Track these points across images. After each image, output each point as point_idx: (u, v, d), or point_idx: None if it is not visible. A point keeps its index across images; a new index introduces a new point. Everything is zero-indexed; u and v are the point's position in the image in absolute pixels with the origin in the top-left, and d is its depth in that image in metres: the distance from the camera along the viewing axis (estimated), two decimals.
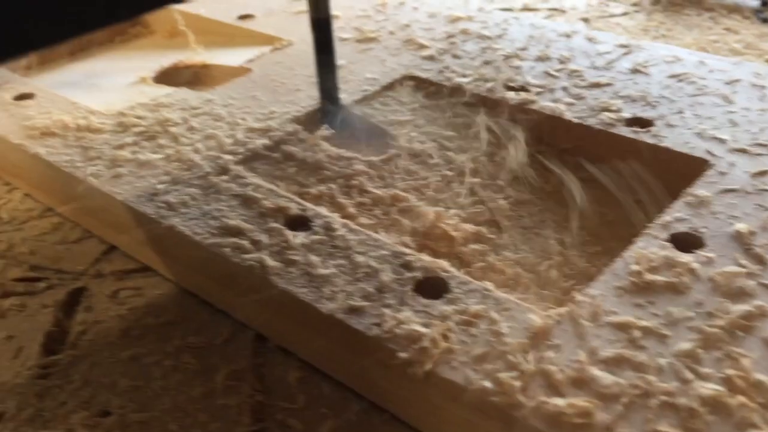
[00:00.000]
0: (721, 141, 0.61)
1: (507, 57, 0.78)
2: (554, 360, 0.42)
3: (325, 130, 0.67)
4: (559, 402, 0.39)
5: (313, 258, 0.51)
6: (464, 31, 0.85)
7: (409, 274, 0.49)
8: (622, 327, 0.44)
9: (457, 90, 0.73)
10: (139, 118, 0.69)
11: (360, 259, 0.51)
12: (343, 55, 0.80)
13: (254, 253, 0.52)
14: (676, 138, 0.63)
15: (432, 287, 0.48)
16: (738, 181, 0.56)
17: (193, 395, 0.49)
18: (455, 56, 0.79)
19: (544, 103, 0.69)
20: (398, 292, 0.48)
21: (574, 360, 0.42)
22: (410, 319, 0.45)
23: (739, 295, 0.46)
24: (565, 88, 0.71)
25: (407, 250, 0.52)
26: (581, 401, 0.39)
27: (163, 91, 0.76)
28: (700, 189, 0.56)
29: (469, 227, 0.59)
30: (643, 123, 0.65)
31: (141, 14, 0.50)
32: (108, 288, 0.59)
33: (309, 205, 0.57)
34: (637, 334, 0.43)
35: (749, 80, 0.71)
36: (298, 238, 0.53)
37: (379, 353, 0.44)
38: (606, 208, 0.61)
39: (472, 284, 0.48)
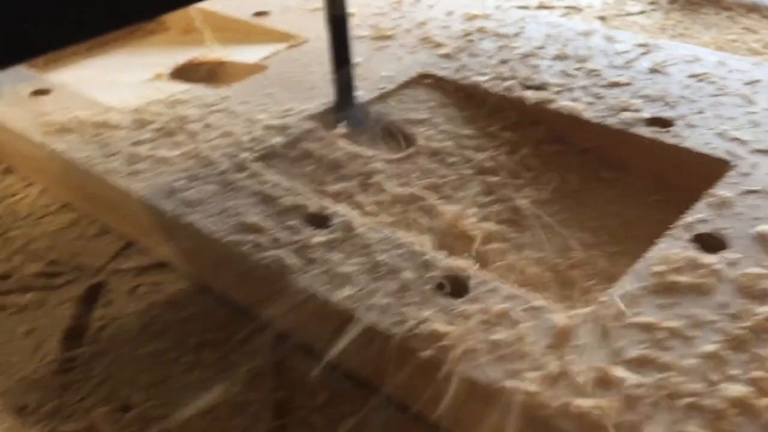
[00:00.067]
0: (743, 142, 0.61)
1: (524, 56, 0.78)
2: (578, 360, 0.42)
3: (342, 128, 0.67)
4: (584, 402, 0.39)
5: (333, 256, 0.51)
6: (481, 29, 0.85)
7: (430, 273, 0.49)
8: (647, 328, 0.43)
9: (474, 88, 0.72)
10: (156, 114, 0.69)
11: (381, 257, 0.50)
12: (359, 52, 0.80)
13: (273, 250, 0.52)
14: (696, 138, 0.62)
15: (453, 286, 0.48)
16: (761, 182, 0.56)
17: (214, 391, 0.49)
18: (472, 54, 0.79)
19: (563, 103, 0.68)
20: (420, 291, 0.47)
21: (598, 360, 0.42)
22: (432, 318, 0.45)
23: (764, 297, 0.45)
24: (583, 88, 0.71)
25: (427, 249, 0.51)
26: (607, 402, 0.39)
27: (180, 88, 0.76)
28: (722, 190, 0.56)
29: (489, 226, 0.58)
30: (663, 123, 0.64)
31: (166, 13, 0.50)
32: (126, 284, 0.59)
33: (328, 203, 0.57)
34: (661, 334, 0.43)
35: None
36: (318, 236, 0.53)
37: (402, 352, 0.44)
38: (625, 208, 0.61)
39: (494, 284, 0.48)
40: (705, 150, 0.61)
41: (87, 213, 0.67)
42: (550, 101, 0.69)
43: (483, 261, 0.55)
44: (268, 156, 0.63)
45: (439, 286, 0.48)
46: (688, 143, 0.62)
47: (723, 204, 0.54)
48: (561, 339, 0.43)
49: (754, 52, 0.90)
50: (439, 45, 0.81)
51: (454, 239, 0.57)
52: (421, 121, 0.70)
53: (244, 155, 0.62)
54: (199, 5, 0.92)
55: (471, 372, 0.42)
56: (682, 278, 0.47)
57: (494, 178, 0.64)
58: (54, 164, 0.66)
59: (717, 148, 0.61)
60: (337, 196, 0.60)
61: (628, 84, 0.71)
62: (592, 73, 0.74)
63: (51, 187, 0.70)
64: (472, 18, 0.88)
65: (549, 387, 0.40)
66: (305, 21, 0.90)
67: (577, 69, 0.74)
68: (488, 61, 0.77)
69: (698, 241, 0.51)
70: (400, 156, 0.65)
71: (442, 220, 0.58)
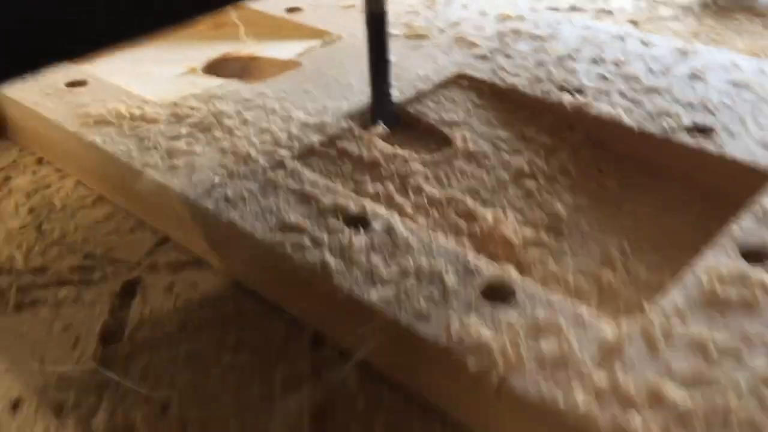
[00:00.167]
0: None
1: (560, 58, 0.77)
2: (627, 375, 0.41)
3: (379, 128, 0.66)
4: (634, 419, 0.39)
5: (376, 258, 0.50)
6: (515, 31, 0.84)
7: (474, 279, 0.49)
8: (696, 343, 0.43)
9: (511, 90, 0.72)
10: (192, 109, 0.69)
11: (422, 261, 0.50)
12: (393, 51, 0.79)
13: (315, 251, 0.51)
14: (738, 147, 0.61)
15: (498, 293, 0.47)
16: None
17: (252, 394, 0.48)
18: (507, 56, 0.78)
19: (601, 107, 0.68)
20: (463, 297, 0.47)
21: (648, 375, 0.41)
22: (478, 325, 0.45)
23: None
24: (621, 92, 0.70)
25: (470, 254, 0.51)
26: (658, 419, 0.39)
27: (214, 83, 0.76)
28: None
29: (528, 232, 0.58)
30: (703, 130, 0.64)
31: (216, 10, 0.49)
32: (163, 280, 0.59)
33: (367, 203, 0.56)
34: (712, 351, 0.42)
35: None
36: (359, 237, 0.52)
37: (447, 362, 0.44)
38: (665, 216, 0.60)
39: (540, 292, 0.47)
40: (747, 158, 0.60)
41: (122, 206, 0.66)
42: (588, 105, 0.68)
43: (524, 268, 0.55)
44: (306, 154, 0.63)
45: (484, 293, 0.47)
46: (729, 151, 0.61)
47: None
48: (609, 352, 0.43)
49: None
50: (473, 45, 0.81)
51: (494, 244, 0.57)
52: (457, 123, 0.69)
53: (282, 153, 0.62)
54: None
55: (518, 383, 0.41)
56: (731, 292, 0.46)
57: (532, 183, 0.63)
58: (90, 156, 0.66)
59: (759, 156, 0.60)
60: (375, 197, 0.60)
61: (666, 90, 0.70)
62: (630, 77, 0.73)
63: (86, 179, 0.70)
64: (505, 18, 0.88)
65: (598, 402, 0.40)
66: (338, 18, 0.90)
67: (615, 73, 0.74)
68: (524, 62, 0.77)
69: (745, 253, 0.50)
70: (438, 158, 0.65)
71: (481, 224, 0.58)
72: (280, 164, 0.61)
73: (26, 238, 0.63)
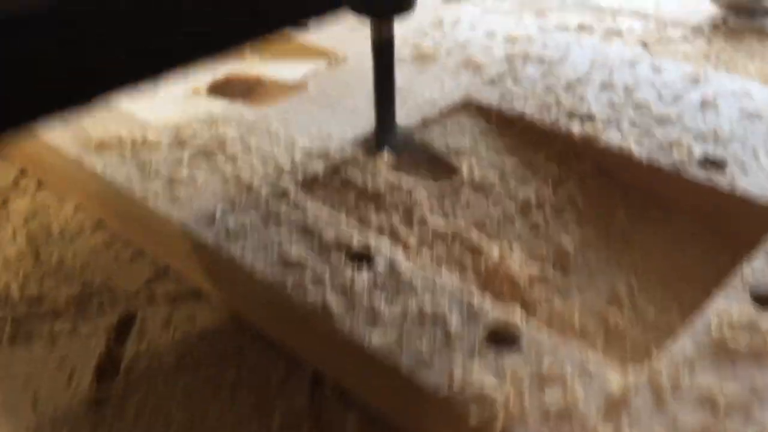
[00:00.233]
0: None
1: (569, 83, 0.76)
2: (633, 430, 0.40)
3: (384, 156, 0.65)
4: None
5: (378, 298, 0.49)
6: (524, 53, 0.83)
7: (478, 322, 0.48)
8: (705, 396, 0.42)
9: (519, 117, 0.71)
10: (195, 133, 0.68)
11: (426, 301, 0.49)
12: (400, 74, 0.78)
13: (317, 290, 0.50)
14: (752, 181, 0.60)
15: (503, 337, 0.46)
16: None
17: None
18: (515, 80, 0.77)
19: (611, 136, 0.66)
20: (466, 342, 0.46)
21: (655, 430, 0.40)
22: (481, 373, 0.43)
23: None
24: (631, 121, 0.69)
25: (475, 294, 0.50)
26: None
27: (219, 105, 0.75)
28: None
29: (534, 268, 0.57)
30: (715, 163, 0.63)
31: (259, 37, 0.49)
32: (161, 313, 0.58)
33: (371, 237, 0.55)
34: (720, 404, 0.41)
35: None
36: (362, 275, 0.51)
37: (448, 411, 0.43)
38: (675, 252, 0.59)
39: (545, 337, 0.46)
40: (759, 194, 0.59)
41: (122, 233, 0.66)
42: (597, 134, 0.67)
43: (529, 308, 0.54)
44: (309, 183, 0.62)
45: (488, 337, 0.46)
46: (740, 186, 0.60)
47: None
48: (616, 404, 0.41)
49: None
50: (481, 69, 0.80)
51: (499, 281, 0.56)
52: (463, 150, 0.68)
53: (285, 182, 0.61)
54: None
55: None
56: (741, 340, 0.45)
57: (539, 215, 0.62)
58: (89, 183, 0.65)
59: None
60: (379, 229, 0.59)
61: (677, 118, 0.69)
62: (640, 105, 0.72)
63: (86, 204, 0.69)
64: (513, 40, 0.86)
65: None
66: (345, 38, 0.88)
67: (624, 101, 0.73)
68: (532, 88, 0.75)
69: (757, 297, 0.49)
70: (443, 187, 0.64)
71: (487, 259, 0.57)
72: (283, 194, 0.60)
73: (23, 266, 0.62)
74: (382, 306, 0.49)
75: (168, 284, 0.60)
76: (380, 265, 0.52)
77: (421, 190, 0.63)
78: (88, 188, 0.67)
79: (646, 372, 0.43)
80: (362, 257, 0.53)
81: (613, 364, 0.45)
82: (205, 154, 0.65)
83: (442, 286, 0.50)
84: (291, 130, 0.69)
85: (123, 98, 0.55)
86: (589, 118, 0.69)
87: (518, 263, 0.57)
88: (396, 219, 0.60)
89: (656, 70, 0.79)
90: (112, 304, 0.58)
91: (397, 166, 0.65)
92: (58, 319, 0.57)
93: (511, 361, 0.44)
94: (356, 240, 0.55)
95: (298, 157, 0.65)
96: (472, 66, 0.80)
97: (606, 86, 0.75)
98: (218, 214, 0.57)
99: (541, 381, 0.43)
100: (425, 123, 0.71)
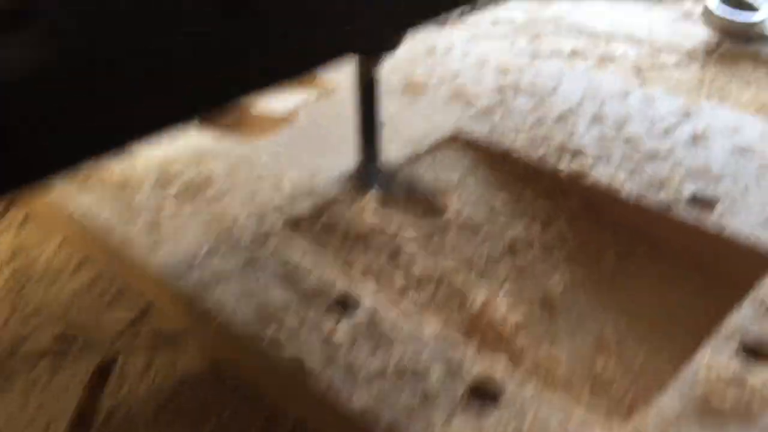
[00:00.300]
0: None
1: (560, 116, 0.75)
2: None
3: (371, 194, 0.64)
4: None
5: (357, 351, 0.48)
6: (515, 84, 0.82)
7: (459, 377, 0.47)
8: None
9: (508, 153, 0.70)
10: (180, 170, 0.67)
11: (407, 354, 0.48)
12: (390, 107, 0.78)
13: (294, 344, 0.49)
14: (740, 224, 0.59)
15: (485, 393, 0.45)
16: None
17: None
18: (506, 113, 0.76)
19: (600, 173, 0.66)
20: (448, 397, 0.45)
21: None
22: (460, 429, 0.43)
23: None
24: (621, 157, 0.68)
25: (458, 346, 0.49)
26: None
27: (206, 138, 0.74)
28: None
29: (520, 312, 0.56)
30: (705, 203, 0.62)
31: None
32: (141, 358, 0.57)
33: (354, 282, 0.55)
34: None
35: None
36: (342, 326, 0.50)
37: None
38: (663, 294, 0.59)
39: (529, 391, 0.45)
40: (747, 237, 0.58)
41: (105, 270, 0.65)
42: (587, 171, 0.66)
43: (514, 354, 0.53)
44: (294, 224, 0.61)
45: (471, 391, 0.45)
46: (729, 228, 0.59)
47: None
48: None
49: None
50: (471, 101, 0.79)
51: (484, 327, 0.55)
52: (451, 187, 0.67)
53: (270, 223, 0.60)
54: None
55: None
56: (728, 396, 0.44)
57: (527, 255, 0.61)
58: (74, 220, 0.65)
59: (760, 234, 0.58)
60: (364, 272, 0.58)
61: (667, 154, 0.68)
62: (630, 140, 0.71)
63: (70, 241, 0.68)
64: (505, 71, 0.86)
65: None
66: (335, 68, 0.87)
67: (614, 135, 0.72)
68: (522, 121, 0.75)
69: (744, 349, 0.48)
70: (430, 227, 0.63)
71: (472, 303, 0.56)
72: (266, 236, 0.59)
73: (6, 307, 0.61)
74: (362, 360, 0.48)
75: (149, 327, 0.59)
76: (362, 314, 0.51)
77: (407, 230, 0.62)
78: (72, 226, 0.66)
79: (634, 428, 0.43)
80: (344, 304, 0.52)
81: (598, 418, 0.44)
82: (190, 193, 0.64)
83: (424, 338, 0.50)
84: (279, 165, 0.68)
85: None
86: (579, 153, 0.69)
87: (504, 307, 0.56)
88: (381, 260, 0.59)
89: (648, 101, 0.78)
90: (93, 347, 0.58)
91: (384, 204, 0.65)
92: (39, 362, 0.56)
93: (492, 419, 0.43)
94: (338, 287, 0.54)
95: (284, 194, 0.64)
96: (463, 98, 0.80)
97: (597, 119, 0.75)
98: (200, 258, 0.57)
99: None
100: (414, 158, 0.70)
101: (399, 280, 0.58)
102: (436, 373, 0.47)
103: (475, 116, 0.76)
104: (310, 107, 0.80)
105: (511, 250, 0.62)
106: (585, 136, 0.72)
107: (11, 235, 0.70)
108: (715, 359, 0.47)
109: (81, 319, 0.60)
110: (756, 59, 1.02)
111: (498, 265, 0.60)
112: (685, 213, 0.61)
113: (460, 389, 0.45)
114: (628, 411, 0.48)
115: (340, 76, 0.85)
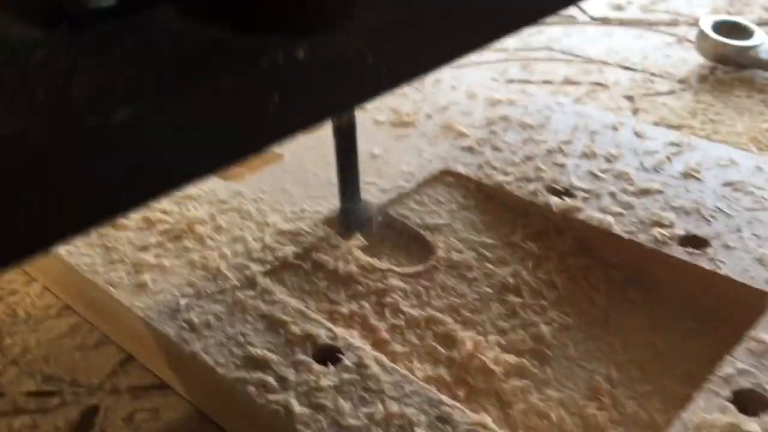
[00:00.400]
0: None
1: (550, 152, 0.75)
2: None
3: (357, 237, 0.63)
4: None
5: (343, 403, 0.47)
6: (505, 118, 0.82)
7: (449, 428, 0.45)
8: None
9: (498, 190, 0.69)
10: (164, 213, 0.66)
11: (394, 408, 0.47)
12: (377, 142, 0.77)
13: (280, 393, 0.48)
14: (735, 263, 0.58)
15: None
16: None
17: None
18: (495, 148, 0.75)
19: (591, 212, 0.65)
20: None
21: None
22: None
23: None
24: (612, 194, 0.67)
25: (446, 399, 0.48)
26: None
27: None
28: (763, 332, 0.52)
29: (510, 358, 0.55)
30: (698, 243, 0.61)
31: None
32: (124, 407, 0.55)
33: (340, 330, 0.53)
34: None
35: None
36: (328, 376, 0.49)
37: None
38: (656, 336, 0.57)
39: None
40: (742, 278, 0.57)
41: (87, 318, 0.64)
42: (578, 209, 0.65)
43: (504, 402, 0.52)
44: (279, 269, 0.60)
45: None
46: (724, 268, 0.58)
47: (766, 351, 0.50)
48: None
49: None
50: (461, 135, 0.78)
51: (473, 372, 0.54)
52: (440, 227, 0.66)
53: (254, 268, 0.59)
54: None
55: None
56: None
57: (516, 299, 0.60)
58: (54, 265, 0.64)
59: (755, 275, 0.57)
60: (350, 318, 0.57)
61: (659, 192, 0.67)
62: (621, 176, 0.70)
63: (51, 286, 0.67)
64: (495, 103, 0.85)
65: None
66: None
67: (606, 170, 0.71)
68: (512, 157, 0.74)
69: (738, 398, 0.47)
70: (418, 270, 0.62)
71: (461, 350, 0.55)
72: (250, 282, 0.58)
73: None
74: (347, 412, 0.47)
75: (132, 375, 0.58)
76: (348, 363, 0.50)
77: (394, 275, 0.61)
78: (53, 270, 0.65)
79: None
80: (330, 354, 0.51)
81: None
82: (173, 236, 0.63)
83: (412, 388, 0.48)
84: (263, 206, 0.67)
85: None
86: (570, 191, 0.68)
87: (494, 353, 0.55)
88: (368, 307, 0.58)
89: (639, 135, 0.77)
90: (74, 398, 0.56)
91: (371, 246, 0.64)
92: (18, 417, 0.55)
93: None
94: (324, 333, 0.53)
95: (268, 239, 0.63)
96: (452, 132, 0.79)
97: (587, 155, 0.74)
98: (182, 305, 0.56)
99: None
100: (402, 197, 0.69)
101: (385, 325, 0.56)
102: (423, 424, 0.45)
103: (464, 150, 0.75)
104: (296, 144, 0.79)
105: (501, 293, 0.61)
106: (575, 172, 0.71)
107: None
108: (708, 408, 0.46)
109: (61, 369, 0.59)
110: (750, 86, 1.02)
111: (485, 311, 0.59)
112: (678, 252, 0.60)
113: None
114: None
115: None
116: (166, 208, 0.67)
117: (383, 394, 0.48)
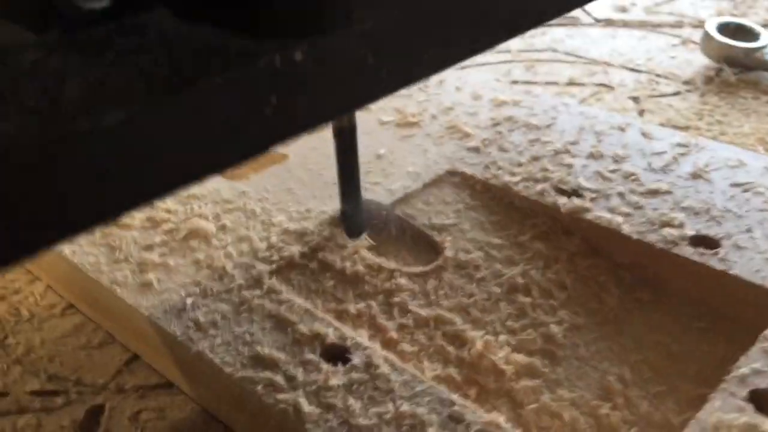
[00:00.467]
0: None
1: (557, 152, 0.74)
2: None
3: (364, 236, 0.63)
4: None
5: (353, 403, 0.47)
6: (510, 119, 0.81)
7: (461, 428, 0.45)
8: None
9: (505, 190, 0.68)
10: (169, 212, 0.66)
11: (405, 407, 0.46)
12: (383, 142, 0.76)
13: (288, 392, 0.48)
14: (746, 263, 0.58)
15: None
16: None
17: None
18: (502, 149, 0.75)
19: (600, 213, 0.64)
20: None
21: None
22: None
23: None
24: (621, 194, 0.67)
25: (457, 398, 0.47)
26: None
27: None
28: None
29: (521, 358, 0.54)
30: (708, 243, 0.60)
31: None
32: (129, 407, 0.55)
33: (348, 330, 0.53)
34: None
35: None
36: (337, 375, 0.49)
37: None
38: (667, 337, 0.57)
39: None
40: (755, 278, 0.56)
41: (92, 317, 0.63)
42: (586, 210, 0.65)
43: (516, 402, 0.51)
44: (286, 269, 0.59)
45: None
46: (735, 268, 0.57)
47: None
48: None
49: None
50: (466, 136, 0.78)
51: (484, 372, 0.53)
52: (447, 227, 0.66)
53: (260, 267, 0.59)
54: None
55: None
56: None
57: (526, 299, 0.59)
58: (59, 264, 0.63)
59: (767, 277, 0.57)
60: (358, 318, 0.56)
61: (668, 192, 0.67)
62: (630, 177, 0.69)
63: (55, 285, 0.66)
64: (500, 104, 0.84)
65: None
66: None
67: (613, 171, 0.70)
68: (519, 157, 0.73)
69: (755, 399, 0.46)
70: (426, 270, 0.61)
71: (470, 349, 0.54)
72: (257, 281, 0.57)
73: None
74: (357, 411, 0.46)
75: (138, 374, 0.57)
76: (357, 362, 0.50)
77: (402, 274, 0.60)
78: (57, 270, 0.64)
79: None
80: (338, 353, 0.51)
81: None
82: (178, 236, 0.63)
83: (422, 386, 0.48)
84: (269, 206, 0.67)
85: None
86: (578, 191, 0.67)
87: (504, 353, 0.54)
88: (376, 307, 0.57)
89: (646, 136, 0.77)
90: (79, 397, 0.56)
91: (378, 246, 0.63)
92: (22, 416, 0.54)
93: None
94: (332, 332, 0.52)
95: (274, 238, 0.62)
96: (457, 133, 0.78)
97: (594, 156, 0.73)
98: (188, 304, 0.55)
99: None
100: (408, 197, 0.68)
101: (394, 325, 0.56)
102: (435, 424, 0.45)
103: (470, 151, 0.75)
104: (300, 143, 0.78)
105: (510, 293, 0.60)
106: (583, 173, 0.70)
107: None
108: (724, 409, 0.45)
109: (66, 368, 0.58)
110: (756, 87, 1.01)
111: (495, 311, 0.59)
112: (688, 252, 0.59)
113: None
114: None
115: None
116: (170, 207, 0.66)
117: (393, 394, 0.47)
